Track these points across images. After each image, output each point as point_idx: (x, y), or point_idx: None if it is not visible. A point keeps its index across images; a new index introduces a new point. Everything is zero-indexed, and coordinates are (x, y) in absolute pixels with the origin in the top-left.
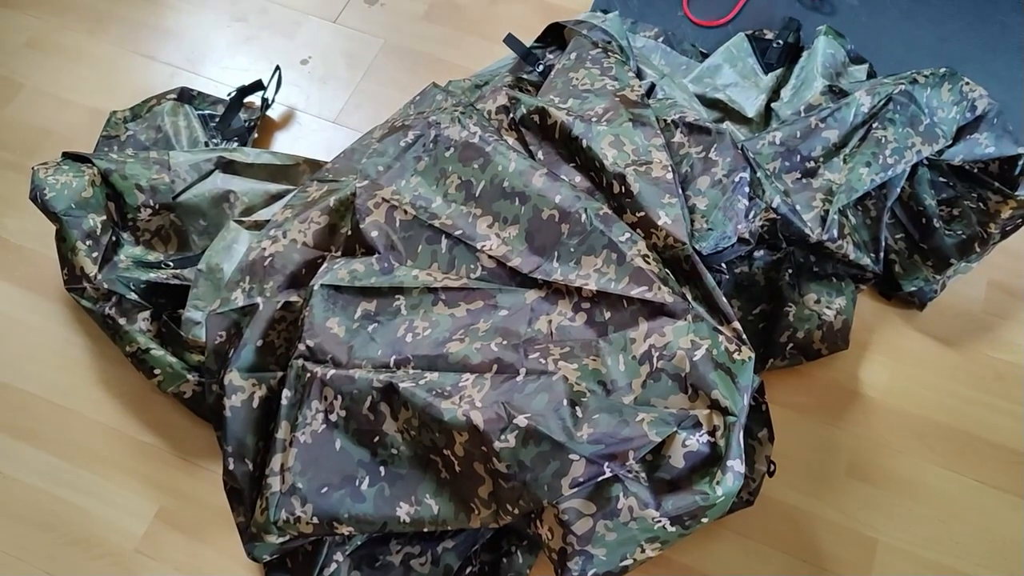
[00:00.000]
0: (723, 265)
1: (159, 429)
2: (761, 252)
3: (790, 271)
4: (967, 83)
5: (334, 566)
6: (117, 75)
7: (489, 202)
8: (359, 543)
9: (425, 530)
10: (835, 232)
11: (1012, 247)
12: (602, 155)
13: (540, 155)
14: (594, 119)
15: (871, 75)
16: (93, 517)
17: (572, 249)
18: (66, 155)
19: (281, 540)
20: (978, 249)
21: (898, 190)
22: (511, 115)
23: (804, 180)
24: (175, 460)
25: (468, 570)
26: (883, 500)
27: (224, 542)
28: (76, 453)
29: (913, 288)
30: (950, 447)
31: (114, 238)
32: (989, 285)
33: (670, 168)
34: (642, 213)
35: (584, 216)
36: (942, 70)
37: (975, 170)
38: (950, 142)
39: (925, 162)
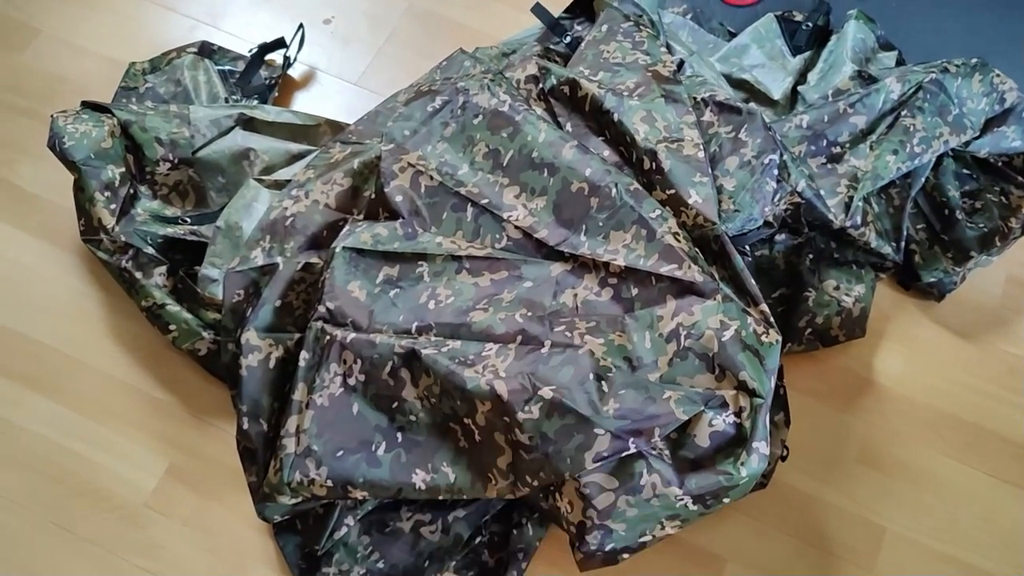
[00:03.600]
0: (746, 248)
1: (172, 386)
2: (783, 236)
3: (811, 256)
4: (998, 75)
5: (344, 530)
6: (136, 25)
7: (517, 172)
8: (370, 508)
9: (440, 498)
10: (858, 219)
11: None
12: (633, 130)
13: (569, 127)
14: (625, 93)
15: (900, 62)
16: (103, 470)
17: (601, 223)
18: (85, 104)
19: (293, 502)
20: (998, 243)
21: (923, 180)
22: (540, 85)
23: (829, 165)
24: (187, 417)
25: (478, 540)
26: (893, 489)
27: (234, 501)
28: (87, 406)
29: (932, 279)
30: (961, 439)
31: (132, 191)
32: (1008, 280)
33: (701, 146)
34: (672, 191)
35: (614, 191)
36: (973, 61)
37: (999, 163)
38: (977, 134)
39: (950, 153)
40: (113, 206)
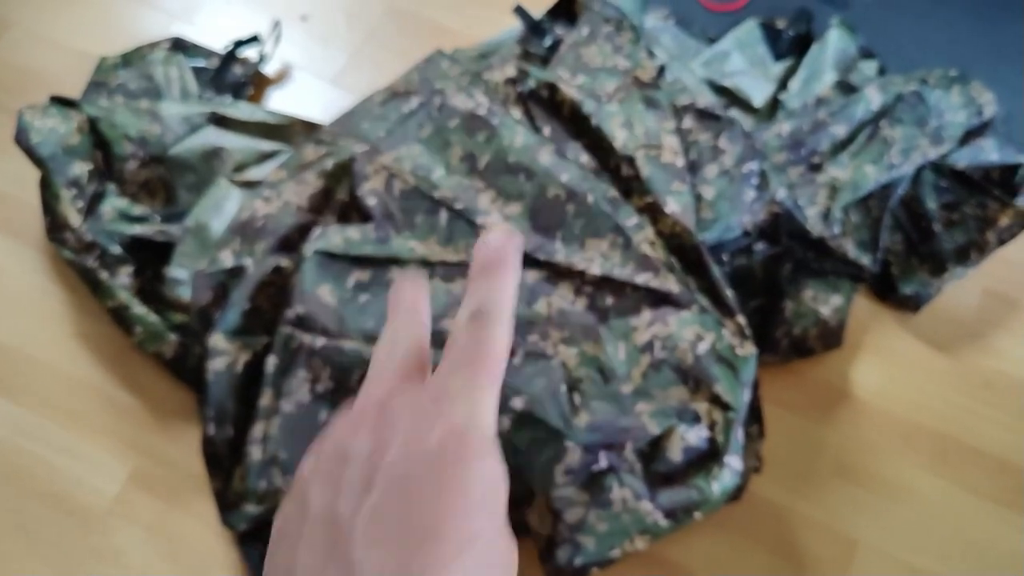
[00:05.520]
0: (723, 257)
1: (137, 389)
2: (761, 246)
3: (790, 266)
4: (976, 88)
5: None
6: (110, 19)
7: (493, 176)
8: None
9: None
10: (836, 230)
11: (1009, 256)
12: (611, 136)
13: (547, 131)
14: (604, 98)
15: (880, 72)
16: (64, 474)
17: (577, 231)
18: (54, 99)
19: (259, 510)
20: (974, 256)
21: (901, 191)
22: (518, 88)
23: (809, 175)
24: (151, 421)
25: None
26: (867, 501)
27: (199, 508)
28: (49, 407)
29: (909, 291)
30: (935, 452)
31: (99, 188)
32: (984, 292)
33: (681, 154)
34: (650, 198)
35: (591, 198)
36: (952, 72)
37: (977, 177)
38: (955, 146)
39: (928, 165)
40: (80, 204)
